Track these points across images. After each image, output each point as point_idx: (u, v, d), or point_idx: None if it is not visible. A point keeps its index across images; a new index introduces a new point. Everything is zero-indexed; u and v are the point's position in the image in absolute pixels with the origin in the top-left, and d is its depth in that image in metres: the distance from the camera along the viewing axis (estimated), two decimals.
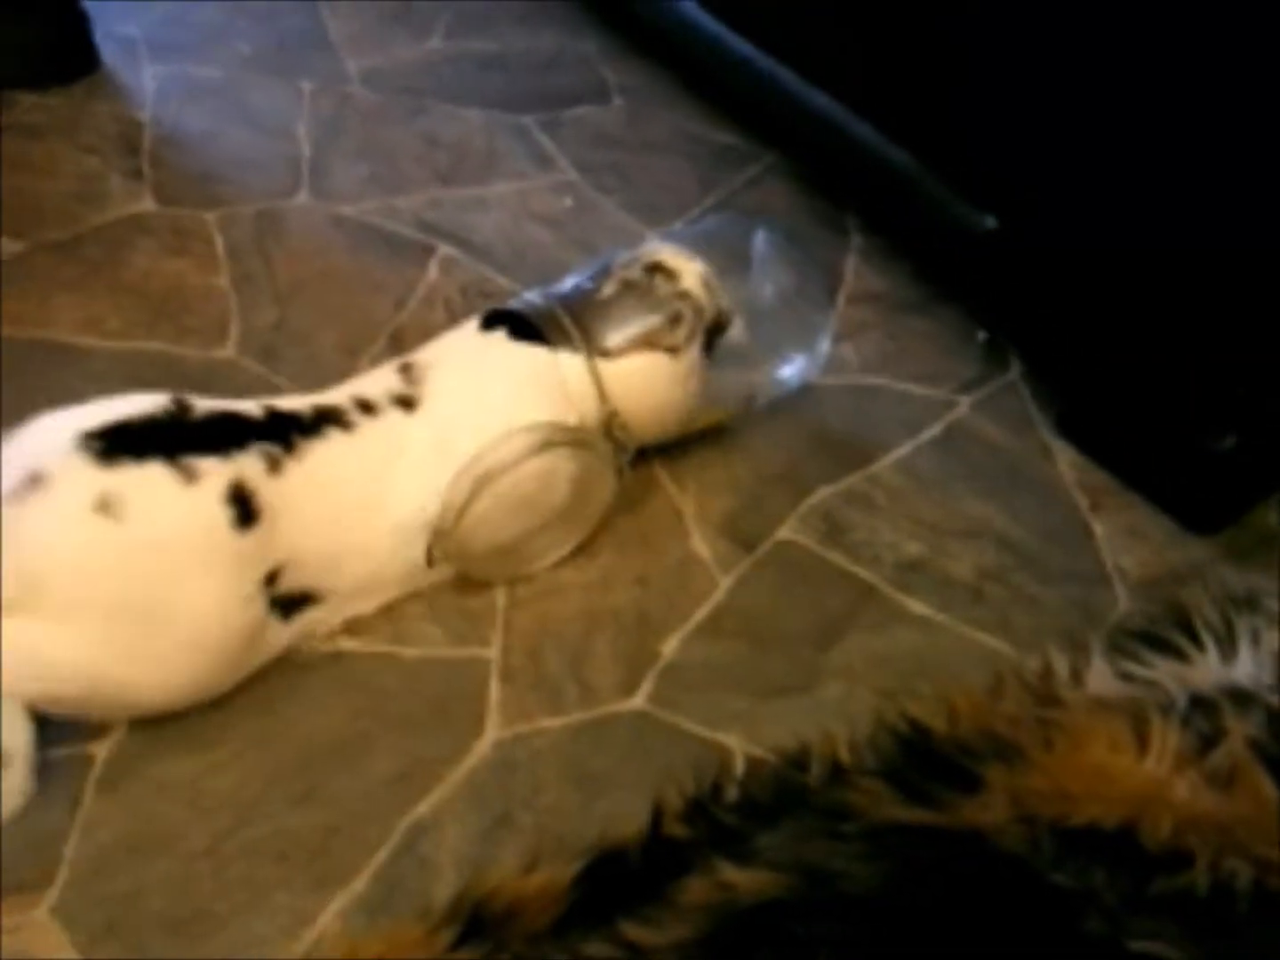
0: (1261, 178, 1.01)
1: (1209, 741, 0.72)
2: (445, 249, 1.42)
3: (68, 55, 1.61)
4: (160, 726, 0.94)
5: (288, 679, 0.99)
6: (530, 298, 1.10)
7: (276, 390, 1.21)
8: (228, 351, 1.27)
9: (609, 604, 1.08)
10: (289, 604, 0.97)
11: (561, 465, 1.05)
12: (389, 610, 1.05)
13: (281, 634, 0.98)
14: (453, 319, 1.31)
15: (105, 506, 0.86)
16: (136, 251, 1.37)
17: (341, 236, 1.43)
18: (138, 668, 0.90)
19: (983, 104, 1.21)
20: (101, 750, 0.94)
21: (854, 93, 1.37)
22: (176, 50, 1.69)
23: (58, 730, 0.92)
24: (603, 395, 1.07)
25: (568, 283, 1.13)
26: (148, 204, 1.44)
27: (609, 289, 1.08)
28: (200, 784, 0.93)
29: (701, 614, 1.08)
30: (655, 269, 1.09)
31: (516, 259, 1.42)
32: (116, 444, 0.88)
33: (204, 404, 0.95)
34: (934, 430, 1.27)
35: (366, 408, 1.00)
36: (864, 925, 0.65)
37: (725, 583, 1.11)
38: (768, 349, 1.18)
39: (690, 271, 1.10)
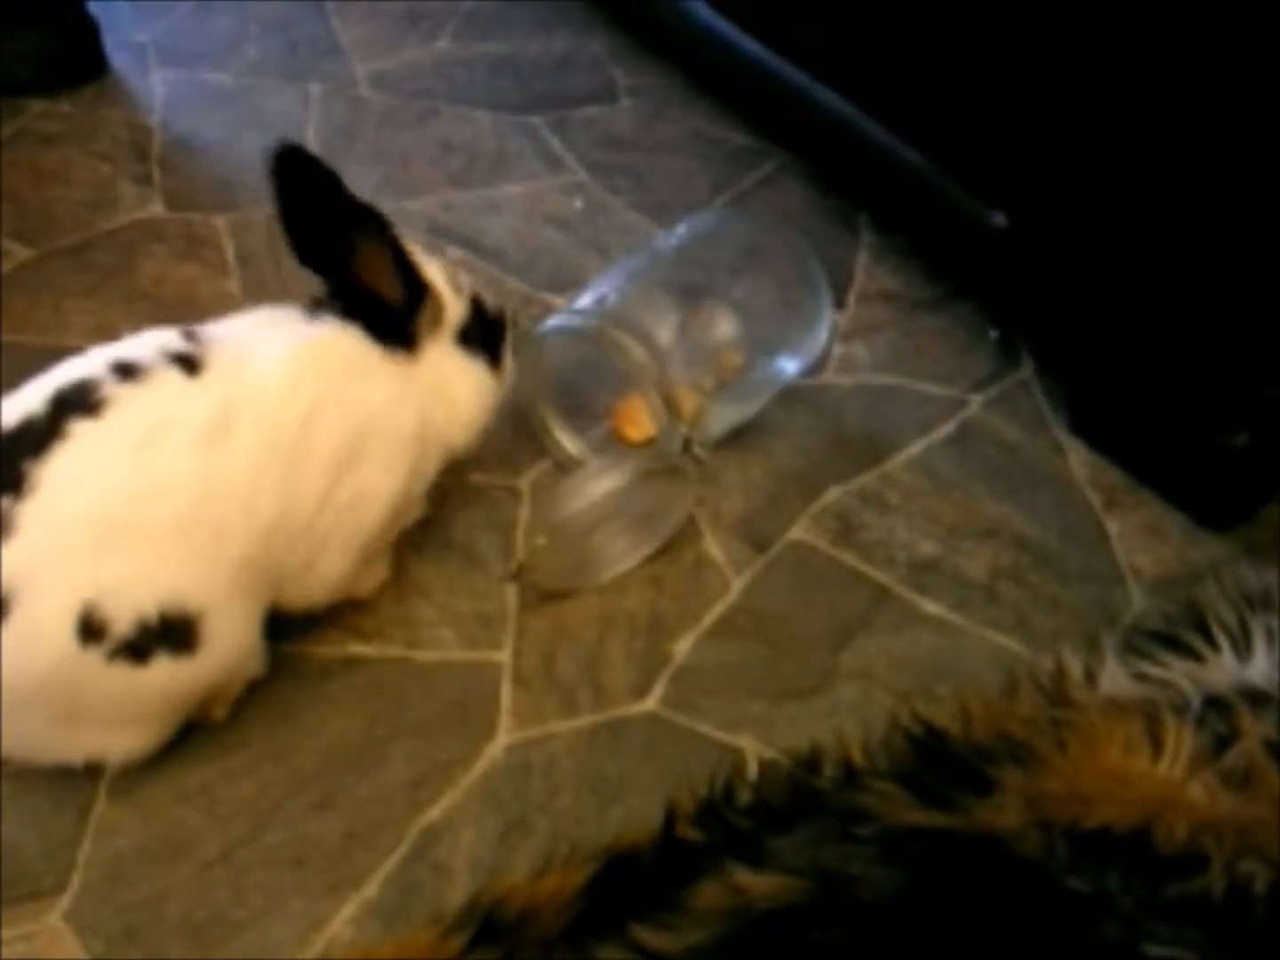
0: (1275, 173, 1.00)
1: (1224, 742, 0.72)
2: (456, 251, 1.42)
3: (76, 61, 1.61)
4: (175, 735, 0.95)
5: (303, 685, 0.99)
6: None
7: None
8: None
9: (622, 606, 1.08)
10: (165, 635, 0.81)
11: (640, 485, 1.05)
12: (403, 614, 1.05)
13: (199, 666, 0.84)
14: None
15: None
16: (148, 257, 1.38)
17: None
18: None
19: (994, 101, 1.21)
20: None
21: (865, 91, 1.37)
22: (186, 56, 1.70)
23: None
24: (680, 415, 1.07)
25: None
26: (159, 209, 1.45)
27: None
28: (216, 791, 0.93)
29: (714, 615, 1.08)
30: None
31: (528, 261, 1.42)
32: None
33: None
34: (947, 429, 1.27)
35: (127, 372, 0.82)
36: (878, 930, 0.65)
37: (738, 584, 1.11)
38: (766, 344, 1.18)
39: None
